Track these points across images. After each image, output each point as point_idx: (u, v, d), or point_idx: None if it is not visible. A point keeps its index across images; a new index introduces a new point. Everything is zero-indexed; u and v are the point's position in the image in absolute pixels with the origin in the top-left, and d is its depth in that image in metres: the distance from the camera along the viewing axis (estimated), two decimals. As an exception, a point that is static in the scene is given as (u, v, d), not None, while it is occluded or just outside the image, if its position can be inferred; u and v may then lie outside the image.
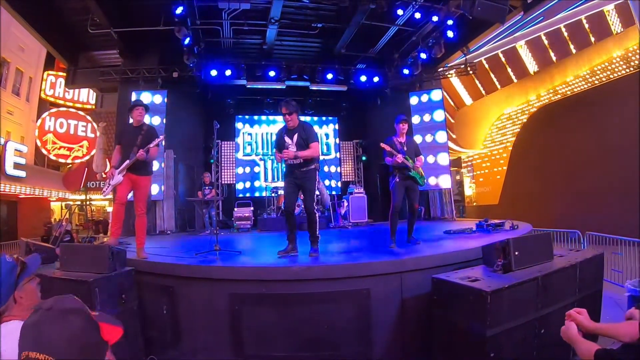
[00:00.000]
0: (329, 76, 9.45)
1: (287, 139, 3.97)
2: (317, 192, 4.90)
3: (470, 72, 9.76)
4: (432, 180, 9.00)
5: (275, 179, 11.13)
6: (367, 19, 7.71)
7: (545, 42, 20.51)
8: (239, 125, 11.32)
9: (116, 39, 7.99)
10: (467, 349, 2.65)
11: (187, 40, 7.30)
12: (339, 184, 11.58)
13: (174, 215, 8.56)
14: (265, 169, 11.34)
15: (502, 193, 16.53)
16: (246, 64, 9.15)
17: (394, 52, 9.43)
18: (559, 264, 3.11)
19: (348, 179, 11.76)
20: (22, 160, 14.26)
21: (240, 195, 10.73)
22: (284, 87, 9.65)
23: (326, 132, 11.88)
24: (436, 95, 9.45)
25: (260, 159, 11.37)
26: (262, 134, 11.46)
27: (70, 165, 18.08)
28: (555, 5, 15.13)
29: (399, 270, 3.32)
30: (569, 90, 19.58)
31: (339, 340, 3.15)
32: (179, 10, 6.75)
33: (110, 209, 15.09)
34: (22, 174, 14.18)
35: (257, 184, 11.16)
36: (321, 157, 9.30)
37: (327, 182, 10.45)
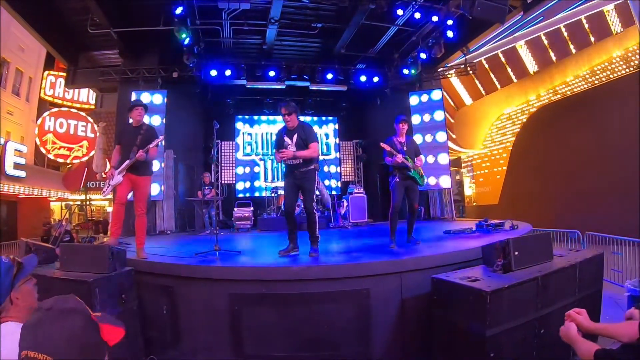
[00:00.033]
0: (329, 76, 9.45)
1: (286, 139, 3.98)
2: (317, 192, 4.90)
3: (470, 72, 9.77)
4: (432, 180, 8.99)
5: (275, 179, 11.12)
6: (367, 19, 7.71)
7: (545, 42, 20.50)
8: (238, 125, 11.32)
9: (116, 39, 7.99)
10: (467, 349, 2.66)
11: (187, 40, 7.30)
12: (339, 184, 11.58)
13: (173, 215, 8.56)
14: (265, 169, 11.34)
15: (502, 193, 16.53)
16: (246, 64, 9.15)
17: (393, 52, 9.43)
18: (559, 264, 3.11)
19: (348, 179, 11.77)
20: (22, 160, 14.27)
21: (240, 195, 10.73)
22: (284, 87, 9.65)
23: (326, 132, 11.88)
24: (436, 95, 9.45)
25: (260, 159, 11.37)
26: (262, 134, 11.46)
27: (70, 165, 18.09)
28: (555, 5, 15.14)
29: (398, 270, 3.33)
30: (569, 90, 19.57)
31: (339, 340, 3.15)
32: (179, 10, 6.76)
33: (110, 209, 15.08)
34: (22, 174, 14.18)
35: (257, 184, 11.16)
36: (321, 157, 9.28)
37: (327, 182, 10.44)
